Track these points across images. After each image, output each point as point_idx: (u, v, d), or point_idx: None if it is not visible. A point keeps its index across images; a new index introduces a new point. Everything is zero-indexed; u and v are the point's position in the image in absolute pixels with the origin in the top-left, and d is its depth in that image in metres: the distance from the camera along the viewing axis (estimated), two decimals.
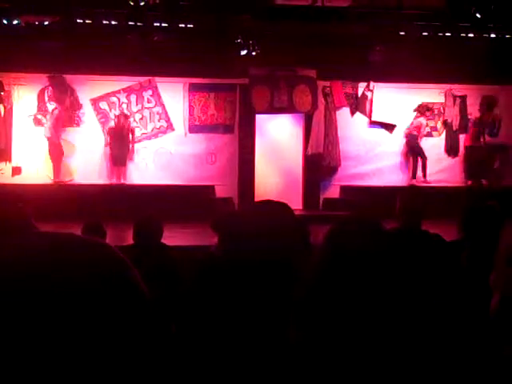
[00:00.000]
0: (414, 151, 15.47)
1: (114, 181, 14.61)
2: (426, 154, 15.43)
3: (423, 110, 15.54)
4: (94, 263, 0.93)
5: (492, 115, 15.82)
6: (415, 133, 15.38)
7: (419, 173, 15.48)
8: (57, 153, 14.44)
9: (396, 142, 15.69)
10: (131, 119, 14.89)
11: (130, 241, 5.66)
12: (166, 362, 1.17)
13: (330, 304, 1.88)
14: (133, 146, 14.80)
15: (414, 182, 15.34)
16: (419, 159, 15.43)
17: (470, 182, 15.48)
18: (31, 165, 14.51)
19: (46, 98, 14.71)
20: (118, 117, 14.68)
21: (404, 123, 15.53)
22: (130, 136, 14.76)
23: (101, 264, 0.94)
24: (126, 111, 14.87)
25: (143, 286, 0.97)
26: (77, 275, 0.90)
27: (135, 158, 14.96)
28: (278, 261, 2.16)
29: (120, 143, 14.55)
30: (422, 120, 15.44)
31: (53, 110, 14.47)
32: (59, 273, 0.90)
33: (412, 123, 15.47)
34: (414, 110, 15.52)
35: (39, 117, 14.68)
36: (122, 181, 14.61)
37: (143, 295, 0.96)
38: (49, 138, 14.35)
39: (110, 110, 14.98)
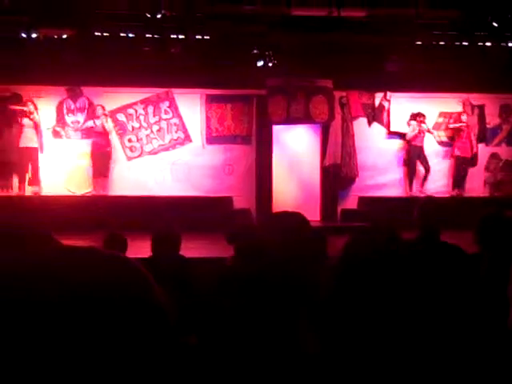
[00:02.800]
0: (414, 161, 15.32)
1: (95, 192, 14.66)
2: (445, 164, 15.38)
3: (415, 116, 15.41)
4: (116, 279, 0.93)
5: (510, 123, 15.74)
6: (419, 144, 15.27)
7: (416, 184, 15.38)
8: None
9: (398, 153, 15.65)
10: (144, 132, 14.96)
11: (149, 252, 5.67)
12: (186, 374, 1.17)
13: (348, 314, 1.87)
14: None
15: (411, 193, 15.17)
16: (421, 170, 15.31)
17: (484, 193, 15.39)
18: (51, 177, 14.60)
19: (65, 111, 14.81)
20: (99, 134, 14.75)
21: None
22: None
23: (123, 280, 0.94)
24: (141, 124, 14.92)
25: (166, 303, 0.97)
26: (99, 291, 0.90)
27: (153, 170, 15.04)
28: (294, 272, 2.16)
29: (101, 156, 14.65)
30: (415, 125, 15.28)
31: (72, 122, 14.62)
32: (80, 288, 0.90)
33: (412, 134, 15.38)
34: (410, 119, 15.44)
35: (58, 129, 14.79)
36: (102, 192, 14.65)
37: (166, 313, 0.96)
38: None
39: (128, 122, 15.06)
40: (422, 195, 14.72)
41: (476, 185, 15.67)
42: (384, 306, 1.92)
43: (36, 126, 14.36)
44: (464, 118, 15.41)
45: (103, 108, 14.68)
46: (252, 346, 2.13)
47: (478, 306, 3.90)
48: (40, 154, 14.48)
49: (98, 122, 14.60)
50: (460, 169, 15.41)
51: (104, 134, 14.59)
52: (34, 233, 2.02)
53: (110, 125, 14.76)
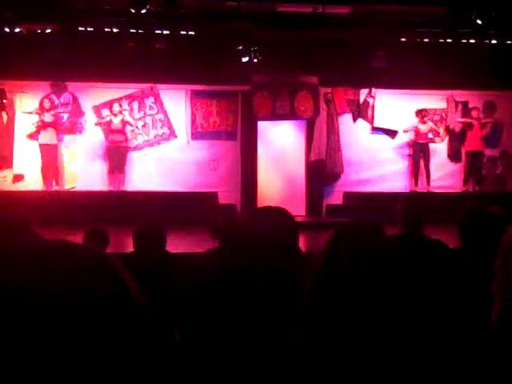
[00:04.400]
0: (419, 156, 15.42)
1: (112, 188, 14.64)
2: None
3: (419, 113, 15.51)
4: (87, 272, 0.92)
5: (494, 120, 15.83)
6: (422, 141, 15.35)
7: (422, 180, 15.49)
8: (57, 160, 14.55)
9: (398, 148, 15.69)
10: (129, 128, 14.90)
11: (132, 248, 5.66)
12: (167, 370, 1.17)
13: (333, 307, 1.88)
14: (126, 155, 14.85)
15: (416, 188, 15.30)
16: (423, 166, 15.40)
17: (465, 188, 15.49)
18: (33, 172, 14.52)
19: (49, 106, 14.72)
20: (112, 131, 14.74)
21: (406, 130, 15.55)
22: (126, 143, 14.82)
23: (94, 272, 0.93)
24: (127, 118, 14.86)
25: (140, 296, 0.96)
26: (69, 284, 0.89)
27: (137, 165, 15.00)
28: (278, 267, 2.17)
29: (116, 152, 14.61)
30: (419, 125, 15.40)
31: (56, 117, 14.52)
32: (51, 281, 0.89)
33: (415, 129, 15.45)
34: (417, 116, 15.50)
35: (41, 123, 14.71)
36: (122, 188, 14.64)
37: (138, 305, 0.95)
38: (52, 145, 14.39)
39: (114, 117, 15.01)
40: (426, 191, 14.90)
41: (459, 181, 15.76)
42: (369, 301, 1.93)
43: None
44: (475, 113, 15.46)
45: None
46: (236, 342, 2.13)
47: (461, 301, 3.92)
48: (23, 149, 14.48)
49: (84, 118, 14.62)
50: (472, 164, 15.48)
51: (120, 129, 14.64)
52: (8, 223, 2.01)
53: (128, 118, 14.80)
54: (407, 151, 15.68)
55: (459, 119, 15.66)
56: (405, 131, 15.43)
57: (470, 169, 15.52)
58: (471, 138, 15.48)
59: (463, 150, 15.74)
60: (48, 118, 14.45)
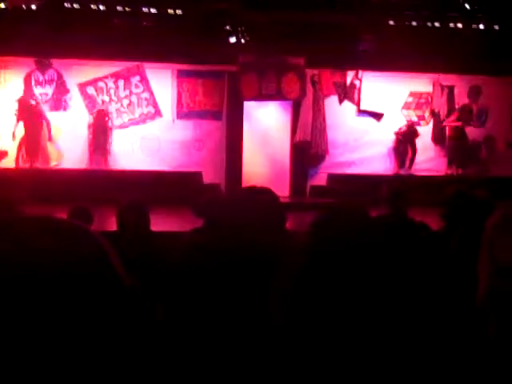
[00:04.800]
0: (406, 141, 15.54)
1: (94, 167, 14.62)
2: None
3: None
4: (72, 246, 0.93)
5: (479, 105, 15.92)
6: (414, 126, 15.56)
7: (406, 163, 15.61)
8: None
9: (384, 131, 15.73)
10: (114, 106, 14.85)
11: (116, 226, 5.64)
12: (149, 346, 1.18)
13: (317, 292, 1.89)
14: (109, 137, 14.81)
15: (400, 171, 15.39)
16: (409, 150, 15.51)
17: (449, 171, 15.63)
18: (17, 149, 14.43)
19: (33, 82, 14.61)
20: (98, 112, 14.67)
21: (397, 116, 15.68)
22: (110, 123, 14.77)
23: (79, 247, 0.94)
24: (111, 97, 14.78)
25: (122, 271, 0.97)
26: (55, 258, 0.90)
27: (122, 144, 14.94)
28: (261, 245, 2.17)
29: (99, 134, 14.56)
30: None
31: (40, 94, 14.42)
32: (38, 256, 0.89)
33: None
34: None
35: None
36: (104, 167, 14.62)
37: (121, 279, 0.96)
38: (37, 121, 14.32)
39: (98, 95, 14.91)
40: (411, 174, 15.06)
41: (443, 164, 15.85)
42: (354, 285, 1.94)
43: None
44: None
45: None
46: (220, 320, 2.14)
47: (446, 281, 3.95)
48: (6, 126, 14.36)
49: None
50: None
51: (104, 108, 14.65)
52: None
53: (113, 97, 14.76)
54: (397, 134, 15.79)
55: (446, 123, 15.83)
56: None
57: (453, 152, 15.67)
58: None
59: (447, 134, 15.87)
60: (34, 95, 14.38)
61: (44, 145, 14.58)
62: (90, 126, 14.70)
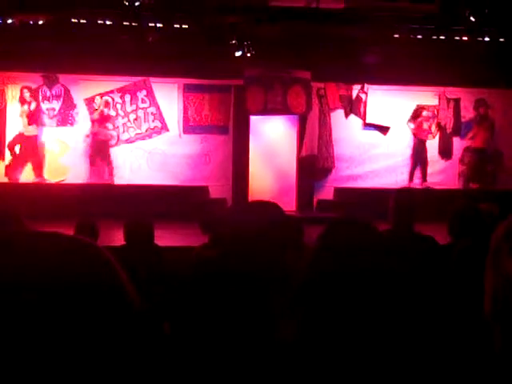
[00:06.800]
0: (417, 155, 15.57)
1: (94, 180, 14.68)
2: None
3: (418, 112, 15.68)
4: (78, 262, 0.92)
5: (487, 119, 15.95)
6: (423, 138, 15.55)
7: (417, 176, 15.62)
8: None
9: (390, 145, 15.73)
10: (121, 121, 14.91)
11: (122, 241, 5.64)
12: (156, 361, 1.17)
13: (323, 302, 1.88)
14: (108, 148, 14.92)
15: (412, 184, 15.41)
16: (419, 163, 15.57)
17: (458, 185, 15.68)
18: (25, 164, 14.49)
19: (40, 98, 14.68)
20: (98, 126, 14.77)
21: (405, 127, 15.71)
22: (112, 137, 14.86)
23: (85, 263, 0.93)
24: (118, 112, 14.84)
25: (129, 287, 0.96)
26: (61, 274, 0.89)
27: (129, 158, 14.97)
28: (269, 261, 2.17)
29: (99, 144, 14.65)
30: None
31: (47, 109, 14.49)
32: (45, 273, 0.89)
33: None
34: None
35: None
36: (106, 180, 14.68)
37: (127, 296, 0.95)
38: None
39: (104, 110, 14.96)
40: (426, 187, 15.04)
41: (451, 177, 15.82)
42: (360, 296, 1.93)
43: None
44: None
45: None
46: (227, 335, 2.13)
47: (451, 295, 3.93)
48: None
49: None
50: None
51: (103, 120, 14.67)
52: (3, 219, 2.00)
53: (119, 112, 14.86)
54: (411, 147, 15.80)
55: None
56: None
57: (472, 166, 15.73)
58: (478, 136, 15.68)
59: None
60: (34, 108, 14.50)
61: (50, 160, 14.63)
62: (91, 139, 14.77)
